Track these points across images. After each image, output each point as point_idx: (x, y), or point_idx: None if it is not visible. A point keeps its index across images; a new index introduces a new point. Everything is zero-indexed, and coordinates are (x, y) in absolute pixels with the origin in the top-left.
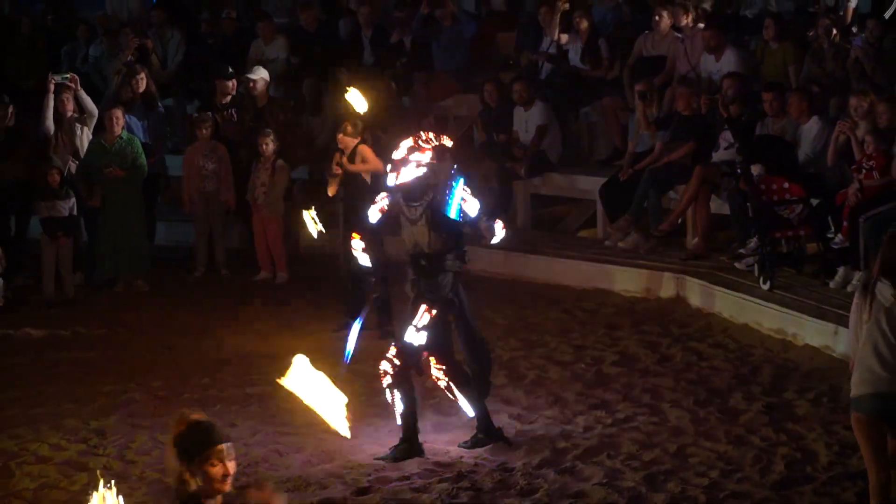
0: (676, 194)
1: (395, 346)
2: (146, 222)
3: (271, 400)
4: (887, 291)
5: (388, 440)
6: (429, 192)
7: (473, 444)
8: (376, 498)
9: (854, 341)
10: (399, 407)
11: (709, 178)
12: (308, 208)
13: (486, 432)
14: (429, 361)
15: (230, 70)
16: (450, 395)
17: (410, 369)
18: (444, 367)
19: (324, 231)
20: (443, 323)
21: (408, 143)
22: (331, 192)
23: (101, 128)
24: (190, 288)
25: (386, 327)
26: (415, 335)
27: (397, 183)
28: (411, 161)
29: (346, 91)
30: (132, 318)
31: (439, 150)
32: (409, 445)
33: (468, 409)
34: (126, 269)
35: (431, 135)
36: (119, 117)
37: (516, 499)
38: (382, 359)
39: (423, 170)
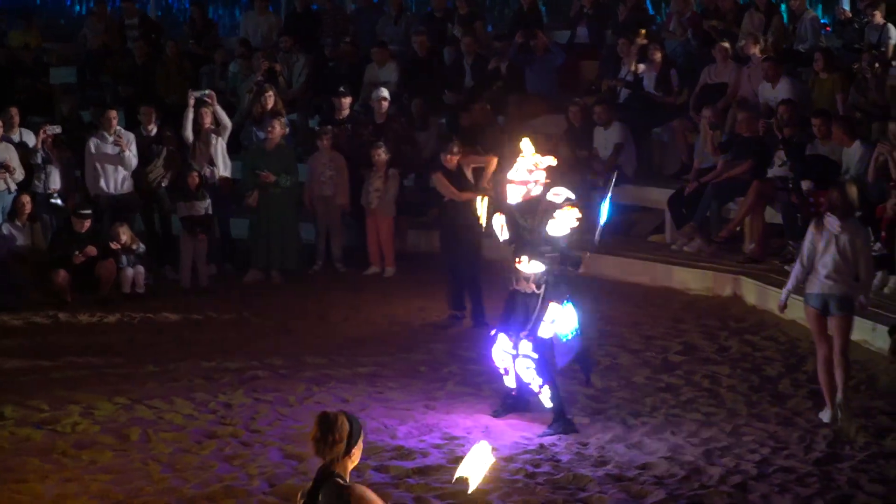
0: (735, 205)
1: (528, 340)
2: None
3: (378, 379)
4: (834, 223)
5: (480, 416)
6: (543, 206)
7: (553, 431)
8: None
9: (801, 261)
10: (550, 392)
11: (764, 192)
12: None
13: (561, 423)
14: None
15: (342, 89)
16: (528, 382)
17: (550, 359)
18: (535, 358)
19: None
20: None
21: (525, 164)
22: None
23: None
24: (309, 279)
25: (480, 318)
26: (547, 329)
27: (520, 200)
28: (531, 181)
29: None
30: (258, 305)
31: (551, 171)
32: (566, 422)
33: (546, 402)
34: (276, 261)
35: (541, 156)
36: (275, 126)
37: (591, 469)
38: (517, 357)
39: (541, 188)
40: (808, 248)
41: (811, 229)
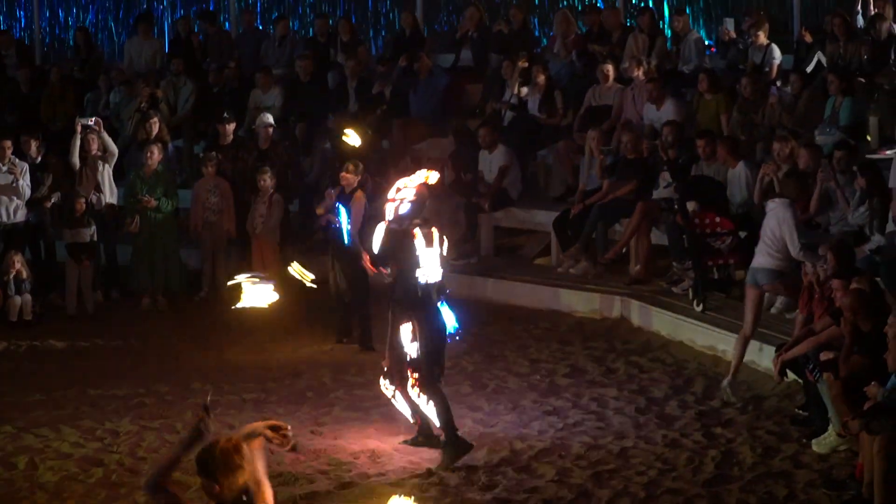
0: (621, 227)
1: (405, 364)
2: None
3: (265, 405)
4: (769, 203)
5: (367, 441)
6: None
7: (445, 461)
8: (356, 491)
9: None
10: (435, 412)
11: (649, 213)
12: (291, 264)
13: (452, 442)
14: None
15: (226, 115)
16: (404, 402)
17: (429, 375)
18: (415, 377)
19: (314, 280)
20: (416, 336)
21: (399, 183)
22: (319, 211)
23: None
24: (195, 305)
25: (366, 343)
26: (411, 349)
27: (389, 218)
28: (397, 199)
29: (344, 133)
30: (144, 331)
31: (421, 189)
32: (455, 442)
33: (435, 420)
34: (160, 286)
35: (418, 175)
36: (154, 152)
37: (478, 493)
38: (396, 379)
39: (407, 205)
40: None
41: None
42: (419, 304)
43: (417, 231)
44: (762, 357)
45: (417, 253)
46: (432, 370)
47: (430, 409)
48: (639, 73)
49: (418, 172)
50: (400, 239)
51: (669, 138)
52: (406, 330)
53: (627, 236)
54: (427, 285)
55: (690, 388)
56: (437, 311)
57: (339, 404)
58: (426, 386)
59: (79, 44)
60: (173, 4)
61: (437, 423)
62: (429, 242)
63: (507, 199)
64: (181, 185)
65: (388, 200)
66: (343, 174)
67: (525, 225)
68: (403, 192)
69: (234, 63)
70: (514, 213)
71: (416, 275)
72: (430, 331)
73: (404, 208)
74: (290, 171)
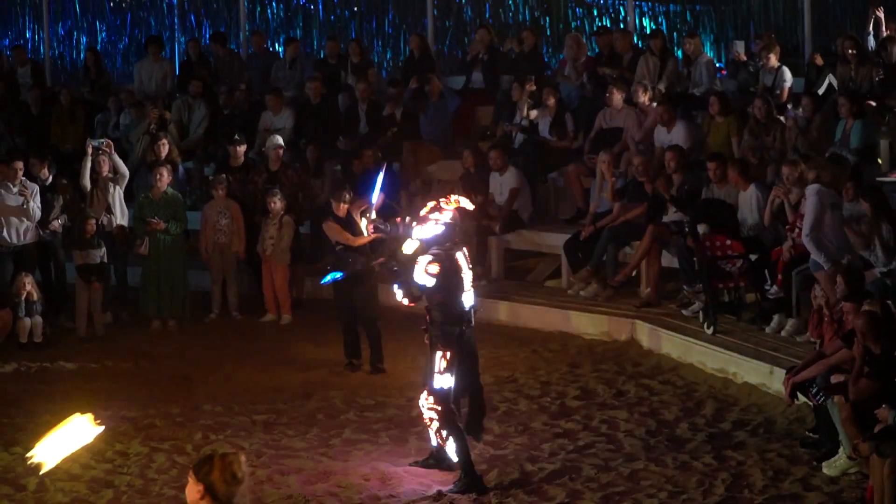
0: (631, 249)
1: (428, 393)
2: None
3: (275, 427)
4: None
5: (378, 463)
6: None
7: (457, 489)
8: None
9: None
10: (453, 445)
11: (660, 236)
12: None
13: (468, 479)
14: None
15: (236, 137)
16: (437, 436)
17: (451, 410)
18: (437, 409)
19: None
20: (451, 367)
21: (432, 203)
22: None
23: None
24: (205, 327)
25: (377, 364)
26: (441, 380)
27: (423, 238)
28: (431, 219)
29: None
30: (154, 353)
31: (458, 212)
32: (471, 479)
33: (452, 455)
34: (167, 309)
35: (454, 198)
36: (163, 174)
37: None
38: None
39: (441, 227)
40: None
41: None
42: (459, 335)
43: (461, 255)
44: (773, 380)
45: (462, 275)
46: (454, 407)
47: (448, 444)
48: (645, 99)
49: (452, 197)
50: (448, 266)
51: (672, 164)
52: (438, 357)
53: (638, 259)
54: (471, 309)
55: (701, 410)
56: (473, 346)
57: (350, 426)
58: (446, 421)
59: (89, 65)
60: (184, 26)
61: (455, 459)
62: (467, 264)
63: (517, 221)
64: (191, 207)
65: (422, 219)
66: (336, 206)
67: (536, 247)
68: (439, 214)
69: (245, 85)
70: (525, 235)
71: (462, 299)
72: (465, 368)
73: (438, 230)
74: (301, 193)
